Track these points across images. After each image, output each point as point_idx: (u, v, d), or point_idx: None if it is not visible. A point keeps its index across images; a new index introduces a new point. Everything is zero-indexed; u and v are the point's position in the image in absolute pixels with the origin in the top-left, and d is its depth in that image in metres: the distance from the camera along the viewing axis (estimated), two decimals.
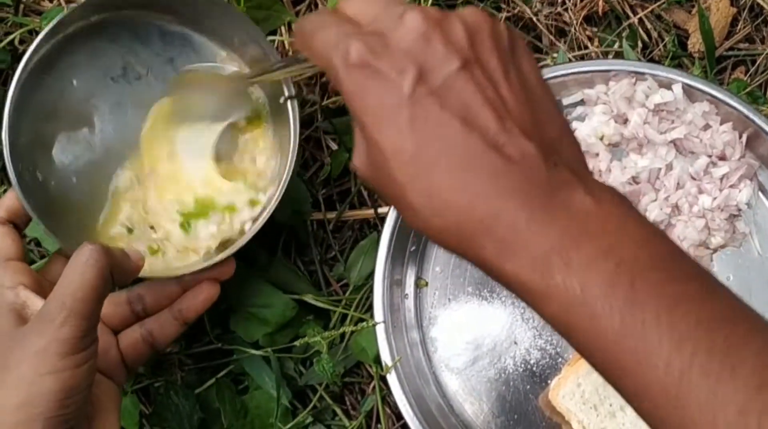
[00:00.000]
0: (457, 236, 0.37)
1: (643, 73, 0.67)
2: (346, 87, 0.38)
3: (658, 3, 0.73)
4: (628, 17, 0.73)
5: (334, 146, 0.71)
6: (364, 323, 0.65)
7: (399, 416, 0.68)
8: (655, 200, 0.67)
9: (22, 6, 0.70)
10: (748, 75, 0.73)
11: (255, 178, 0.62)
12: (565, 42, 0.73)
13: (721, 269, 0.67)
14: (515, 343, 0.67)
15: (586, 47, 0.73)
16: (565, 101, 0.70)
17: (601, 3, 0.73)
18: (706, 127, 0.67)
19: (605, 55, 0.73)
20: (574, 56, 0.73)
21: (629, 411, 0.63)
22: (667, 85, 0.67)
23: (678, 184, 0.67)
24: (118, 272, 0.49)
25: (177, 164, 0.61)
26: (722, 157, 0.67)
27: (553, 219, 0.36)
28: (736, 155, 0.67)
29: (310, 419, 0.68)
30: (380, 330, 0.65)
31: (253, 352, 0.66)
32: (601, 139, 0.68)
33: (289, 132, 0.61)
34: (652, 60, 0.73)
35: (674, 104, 0.67)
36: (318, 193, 0.71)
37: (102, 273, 0.47)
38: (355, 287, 0.69)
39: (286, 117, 0.61)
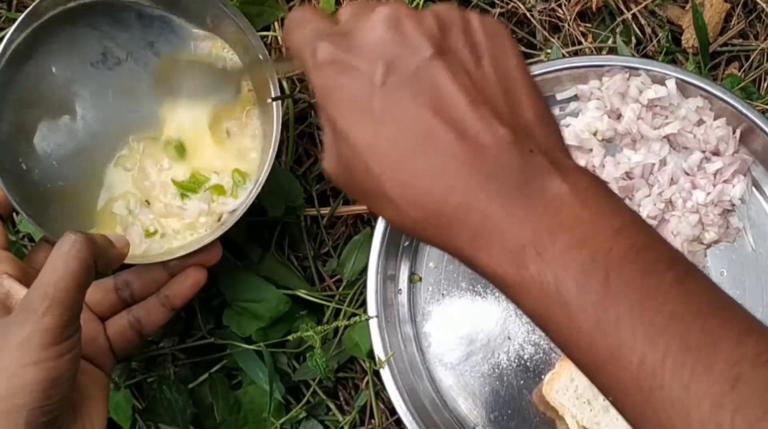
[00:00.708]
0: (434, 227, 0.37)
1: (636, 69, 0.67)
2: (316, 84, 0.38)
3: None
4: (621, 13, 0.73)
5: None
6: (358, 318, 0.65)
7: (392, 411, 0.68)
8: (649, 195, 0.67)
9: (15, 2, 0.70)
10: (741, 70, 0.73)
11: (242, 163, 0.62)
12: (558, 38, 0.73)
13: (715, 264, 0.67)
14: (509, 338, 0.67)
15: (579, 43, 0.73)
16: (559, 96, 0.70)
17: None
18: (700, 122, 0.67)
19: (599, 50, 0.73)
20: (567, 52, 0.73)
21: None
22: (660, 81, 0.67)
23: (672, 179, 0.67)
24: (102, 260, 0.49)
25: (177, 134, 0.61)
26: (716, 153, 0.67)
27: (527, 208, 0.35)
28: (729, 150, 0.67)
29: (303, 414, 0.68)
30: (373, 325, 0.65)
31: (246, 346, 0.66)
32: (595, 134, 0.68)
33: (272, 120, 0.61)
34: (645, 56, 0.73)
35: (668, 100, 0.67)
36: (311, 189, 0.71)
37: (84, 262, 0.47)
38: (349, 282, 0.69)
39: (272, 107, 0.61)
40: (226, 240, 0.61)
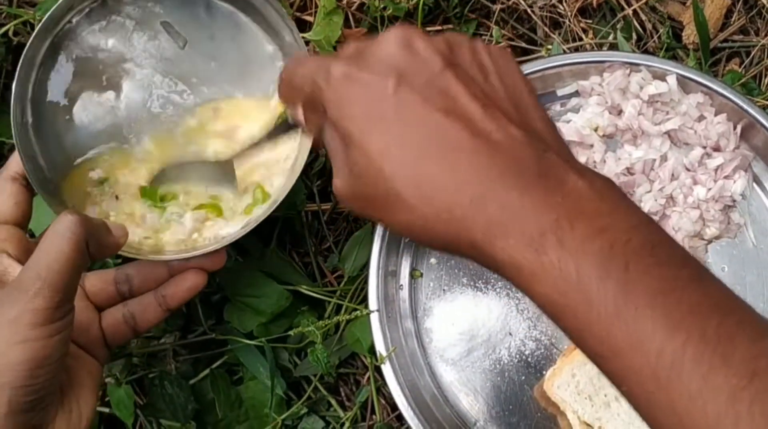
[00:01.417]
0: (445, 222, 0.37)
1: (637, 65, 0.67)
2: (330, 101, 0.40)
3: None
4: (622, 9, 0.73)
5: None
6: (359, 313, 0.65)
7: (394, 407, 0.68)
8: (650, 191, 0.67)
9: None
10: (742, 66, 0.73)
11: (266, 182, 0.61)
12: (559, 34, 0.73)
13: (716, 260, 0.67)
14: (510, 334, 0.67)
15: (580, 39, 0.73)
16: (560, 92, 0.70)
17: None
18: (701, 118, 0.67)
19: (600, 46, 0.73)
20: (568, 48, 0.73)
21: (624, 401, 0.63)
22: (661, 77, 0.67)
23: (672, 175, 0.67)
24: (95, 245, 0.49)
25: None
26: (717, 148, 0.67)
27: (546, 197, 0.36)
28: (730, 146, 0.67)
29: (304, 410, 0.68)
30: (375, 320, 0.65)
31: (247, 342, 0.66)
32: (596, 130, 0.68)
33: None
34: (646, 52, 0.73)
35: (669, 95, 0.67)
36: (312, 185, 0.71)
37: (78, 245, 0.47)
38: (350, 278, 0.69)
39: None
40: None
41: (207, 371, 0.67)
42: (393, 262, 0.68)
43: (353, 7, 0.72)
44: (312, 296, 0.68)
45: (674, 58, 0.73)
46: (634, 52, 0.71)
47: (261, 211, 0.59)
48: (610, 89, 0.67)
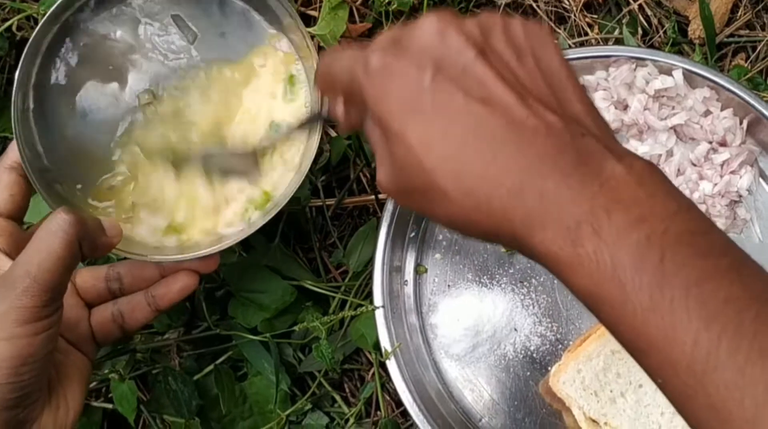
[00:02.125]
0: (486, 214, 0.37)
1: (643, 59, 0.67)
2: (370, 94, 0.40)
3: None
4: (628, 4, 0.73)
5: (333, 133, 0.71)
6: (363, 309, 0.65)
7: (398, 403, 0.68)
8: None
9: None
10: (748, 61, 0.73)
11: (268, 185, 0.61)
12: (565, 29, 0.73)
13: None
14: (515, 329, 0.67)
15: (586, 34, 0.73)
16: None
17: None
18: (707, 113, 0.67)
19: (605, 41, 0.73)
20: (574, 43, 0.72)
21: (629, 397, 0.63)
22: (667, 71, 0.67)
23: (678, 170, 0.67)
24: (88, 245, 0.48)
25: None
26: (723, 144, 0.67)
27: (583, 186, 0.36)
28: (736, 141, 0.67)
29: (309, 406, 0.68)
30: (379, 316, 0.65)
31: (252, 337, 0.66)
32: None
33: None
34: (652, 47, 0.73)
35: (674, 90, 0.67)
36: (317, 180, 0.70)
37: (70, 245, 0.46)
38: (355, 273, 0.69)
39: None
40: None
41: (211, 367, 0.67)
42: (398, 258, 0.67)
43: (358, 2, 0.71)
44: (316, 292, 0.68)
45: (680, 53, 0.72)
46: (639, 47, 0.71)
47: (258, 215, 0.58)
48: (615, 84, 0.67)
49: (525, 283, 0.67)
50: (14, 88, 0.54)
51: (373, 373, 0.68)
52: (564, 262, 0.36)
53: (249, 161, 0.58)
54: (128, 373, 0.66)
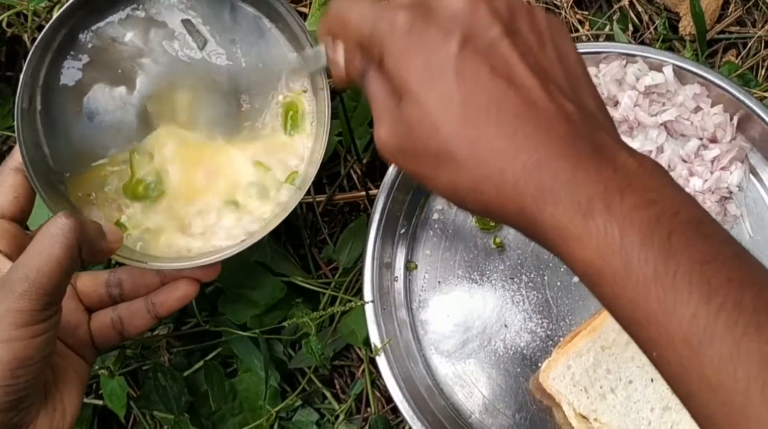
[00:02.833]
0: (497, 185, 0.38)
1: (633, 55, 0.67)
2: (392, 49, 0.40)
3: None
4: (618, 0, 0.73)
5: None
6: (353, 305, 0.65)
7: (388, 399, 0.67)
8: None
9: None
10: (739, 58, 0.73)
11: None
12: None
13: None
14: (505, 326, 0.67)
15: (576, 30, 0.73)
16: None
17: None
18: (697, 109, 0.67)
19: (596, 38, 0.73)
20: None
21: (620, 393, 0.63)
22: (657, 68, 0.67)
23: (669, 166, 0.67)
24: (88, 250, 0.48)
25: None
26: (713, 140, 0.67)
27: (598, 170, 0.37)
28: (727, 137, 0.67)
29: (299, 402, 0.68)
30: (369, 312, 0.65)
31: (241, 333, 0.66)
32: None
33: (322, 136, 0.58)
34: (642, 43, 0.73)
35: (665, 86, 0.66)
36: None
37: (70, 250, 0.46)
38: (345, 270, 0.69)
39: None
40: None
41: (201, 363, 0.67)
42: (388, 254, 0.67)
43: None
44: (306, 288, 0.68)
45: (671, 49, 0.73)
46: (630, 43, 0.71)
47: (257, 227, 0.58)
48: (606, 80, 0.67)
49: (515, 280, 0.67)
50: (19, 89, 0.53)
51: (363, 370, 0.68)
52: (571, 234, 0.37)
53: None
54: (118, 370, 0.66)
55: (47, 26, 0.54)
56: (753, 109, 0.65)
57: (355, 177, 0.72)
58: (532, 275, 0.67)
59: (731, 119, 0.67)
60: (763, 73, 0.72)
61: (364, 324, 0.65)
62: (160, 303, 0.56)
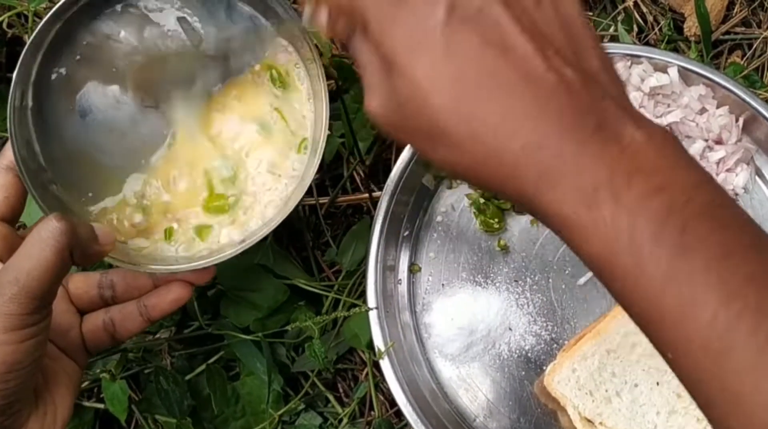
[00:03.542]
0: (493, 167, 0.36)
1: (638, 56, 0.66)
2: (374, 17, 0.37)
3: None
4: (623, 1, 0.72)
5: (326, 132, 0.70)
6: (357, 308, 0.64)
7: (392, 403, 0.67)
8: None
9: None
10: (744, 59, 0.72)
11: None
12: None
13: None
14: (510, 329, 0.66)
15: None
16: None
17: None
18: (703, 110, 0.67)
19: (600, 39, 0.72)
20: None
21: (625, 396, 0.63)
22: (662, 69, 0.66)
23: None
24: (80, 254, 0.47)
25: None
26: (719, 141, 0.67)
27: (603, 149, 0.34)
28: (732, 139, 0.66)
29: (302, 406, 0.67)
30: (373, 316, 0.64)
31: (244, 336, 0.65)
32: None
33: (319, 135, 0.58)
34: (647, 44, 0.72)
35: (670, 88, 0.66)
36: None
37: (61, 254, 0.45)
38: (348, 272, 0.68)
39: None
40: None
41: (203, 366, 0.67)
42: (391, 257, 0.67)
43: None
44: (309, 291, 0.67)
45: (676, 50, 0.72)
46: (635, 44, 0.71)
47: (254, 231, 0.58)
48: None
49: (519, 282, 0.67)
50: (12, 85, 0.53)
51: (367, 373, 0.67)
52: (576, 227, 0.34)
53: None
54: (120, 373, 0.65)
55: (42, 21, 0.53)
56: (759, 111, 0.65)
57: (358, 179, 0.71)
58: (536, 278, 0.67)
59: (737, 121, 0.66)
60: None
61: (368, 327, 0.64)
62: (152, 306, 0.56)
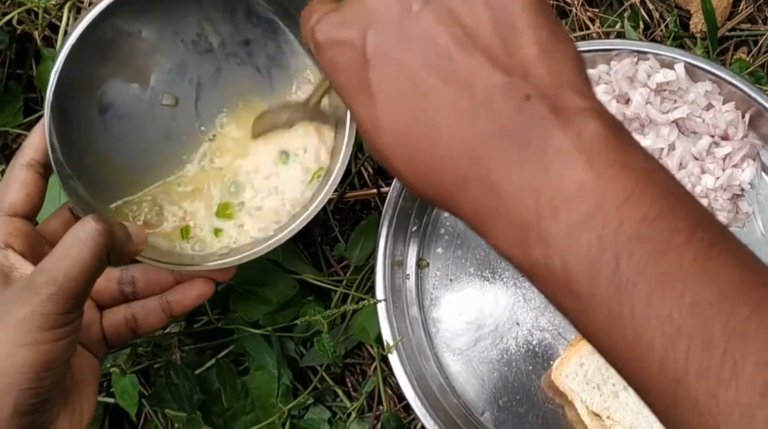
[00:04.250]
0: (440, 200, 0.36)
1: (645, 53, 0.67)
2: (323, 70, 0.38)
3: None
4: None
5: None
6: (365, 303, 0.64)
7: (400, 397, 0.67)
8: None
9: None
10: (750, 55, 0.73)
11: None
12: (566, 23, 0.73)
13: None
14: (517, 323, 0.67)
15: (587, 28, 0.73)
16: None
17: None
18: (709, 106, 0.67)
19: (607, 35, 0.73)
20: (575, 37, 0.72)
21: (632, 391, 0.63)
22: (669, 65, 0.67)
23: (680, 164, 0.67)
24: (116, 254, 0.48)
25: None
26: (725, 137, 0.67)
27: (527, 173, 0.32)
28: (738, 135, 0.67)
29: (311, 400, 0.68)
30: (381, 310, 0.65)
31: (254, 331, 0.66)
32: None
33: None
34: (653, 40, 0.73)
35: (676, 84, 0.66)
36: None
37: (99, 255, 0.46)
38: (356, 268, 0.68)
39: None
40: None
41: (213, 361, 0.67)
42: (399, 252, 0.67)
43: None
44: (318, 286, 0.68)
45: (682, 46, 0.72)
46: (641, 40, 0.71)
47: (275, 239, 0.57)
48: (617, 78, 0.67)
49: None
50: (51, 79, 0.51)
51: (375, 367, 0.68)
52: (519, 266, 0.33)
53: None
54: (130, 368, 0.66)
55: (86, 19, 0.51)
56: (764, 106, 0.65)
57: (366, 175, 0.71)
58: None
59: (743, 116, 0.67)
60: None
61: (376, 322, 0.64)
62: (175, 302, 0.56)
